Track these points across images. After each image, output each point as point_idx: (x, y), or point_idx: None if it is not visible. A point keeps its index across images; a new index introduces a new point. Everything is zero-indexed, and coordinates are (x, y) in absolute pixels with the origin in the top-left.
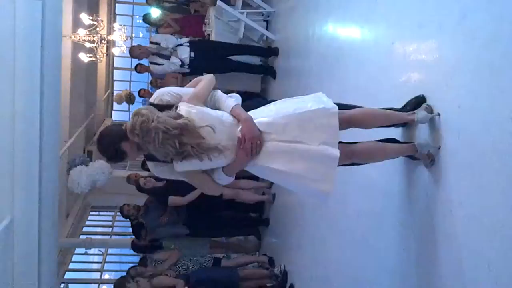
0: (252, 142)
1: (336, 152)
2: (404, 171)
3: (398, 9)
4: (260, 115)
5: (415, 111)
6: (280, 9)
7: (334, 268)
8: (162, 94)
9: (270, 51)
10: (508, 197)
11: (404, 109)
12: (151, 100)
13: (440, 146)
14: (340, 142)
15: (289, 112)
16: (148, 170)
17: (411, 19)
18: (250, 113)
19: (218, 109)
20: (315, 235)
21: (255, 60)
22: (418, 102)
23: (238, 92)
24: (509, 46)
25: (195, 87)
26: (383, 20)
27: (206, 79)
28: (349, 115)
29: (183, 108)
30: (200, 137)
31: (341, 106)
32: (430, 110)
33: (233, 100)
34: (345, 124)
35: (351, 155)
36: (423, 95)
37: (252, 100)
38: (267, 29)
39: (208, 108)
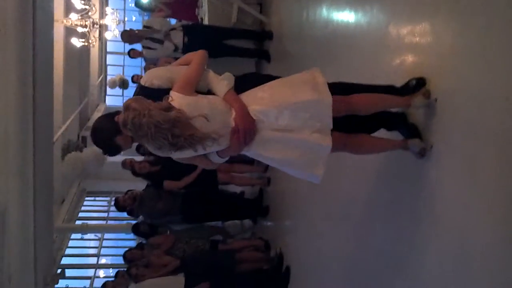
0: (245, 132)
1: (328, 141)
2: (398, 157)
3: None
4: (254, 101)
5: (412, 95)
6: None
7: (330, 251)
8: (153, 77)
9: (264, 35)
10: (503, 183)
11: (404, 88)
12: (142, 82)
13: (432, 146)
14: (335, 130)
15: (283, 100)
16: (143, 154)
17: (405, 1)
18: (244, 96)
19: (211, 91)
20: (310, 218)
21: (249, 44)
22: (418, 83)
23: None
24: (505, 29)
25: (187, 69)
26: (377, 3)
27: (197, 59)
28: (346, 102)
29: (175, 98)
30: (193, 128)
31: (339, 87)
32: (428, 95)
33: (226, 83)
34: (342, 110)
35: (344, 146)
36: (423, 77)
37: (245, 77)
38: (260, 13)
39: (200, 95)
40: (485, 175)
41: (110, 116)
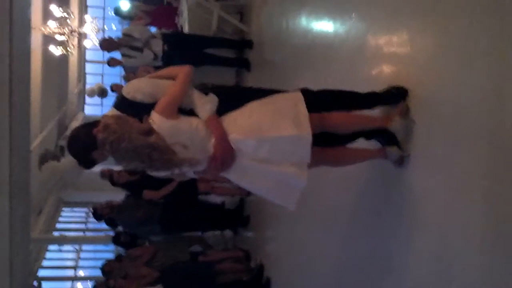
0: (223, 160)
1: (304, 177)
2: (379, 163)
3: (370, 1)
4: (234, 128)
5: (390, 115)
6: (254, 1)
7: (311, 261)
8: (135, 90)
9: (244, 44)
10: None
11: (385, 95)
12: (124, 93)
13: (409, 154)
14: (314, 146)
15: (263, 132)
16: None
17: (383, 11)
18: (225, 120)
19: (193, 110)
20: (291, 228)
21: (229, 53)
22: (399, 93)
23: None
24: (483, 34)
25: (170, 88)
26: (355, 12)
27: (182, 77)
28: (324, 122)
29: (156, 121)
30: (171, 153)
31: (319, 100)
32: (406, 111)
33: (209, 107)
34: (319, 128)
35: (322, 161)
36: (406, 89)
37: (227, 92)
38: (241, 22)
39: (181, 118)
40: (465, 179)
41: (88, 128)
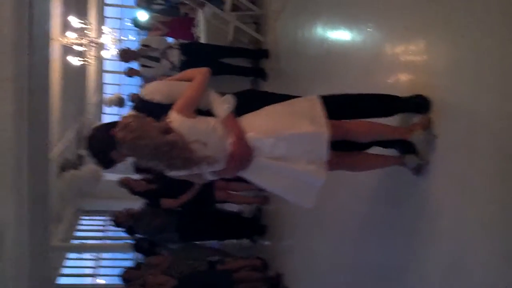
0: (241, 159)
1: (322, 175)
2: (395, 173)
3: (386, 11)
4: (252, 128)
5: (413, 130)
6: (270, 11)
7: (328, 271)
8: (154, 91)
9: (260, 53)
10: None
11: (407, 101)
12: (143, 95)
13: (428, 161)
14: (331, 149)
15: (280, 131)
16: (139, 172)
17: (398, 20)
18: (242, 120)
19: (210, 111)
20: (309, 237)
21: (245, 62)
22: (423, 103)
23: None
24: (497, 41)
25: (188, 89)
26: (371, 21)
27: (199, 78)
28: (344, 131)
29: (174, 120)
30: (190, 152)
31: (339, 107)
32: (428, 124)
33: (226, 107)
34: (339, 136)
35: (340, 165)
36: (429, 100)
37: (244, 95)
38: (257, 31)
39: (199, 117)
40: (482, 191)
41: (107, 127)
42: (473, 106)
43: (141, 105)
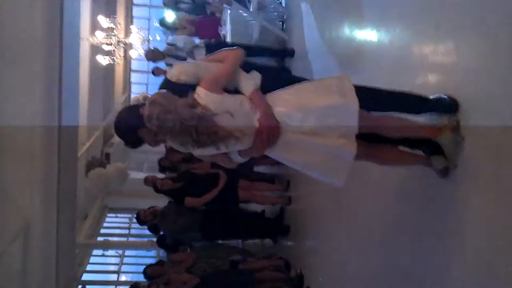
0: (269, 134)
1: (353, 148)
2: (421, 175)
3: (414, 10)
4: (279, 102)
5: (442, 131)
6: (295, 10)
7: (351, 272)
8: (180, 72)
9: (285, 52)
10: None
11: (436, 102)
12: (169, 76)
13: (456, 165)
14: (360, 139)
15: (309, 104)
16: (164, 171)
17: (427, 20)
18: (269, 96)
19: (238, 89)
20: (332, 238)
21: (270, 61)
22: (450, 105)
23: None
24: None
25: (218, 67)
26: (399, 21)
27: (231, 59)
28: (374, 123)
29: (201, 94)
30: (217, 126)
31: (369, 99)
32: (457, 126)
33: (252, 83)
34: (367, 129)
35: (367, 157)
36: (457, 101)
37: (272, 74)
38: (282, 30)
39: (226, 94)
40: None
41: (135, 108)
42: (503, 108)
43: (168, 86)
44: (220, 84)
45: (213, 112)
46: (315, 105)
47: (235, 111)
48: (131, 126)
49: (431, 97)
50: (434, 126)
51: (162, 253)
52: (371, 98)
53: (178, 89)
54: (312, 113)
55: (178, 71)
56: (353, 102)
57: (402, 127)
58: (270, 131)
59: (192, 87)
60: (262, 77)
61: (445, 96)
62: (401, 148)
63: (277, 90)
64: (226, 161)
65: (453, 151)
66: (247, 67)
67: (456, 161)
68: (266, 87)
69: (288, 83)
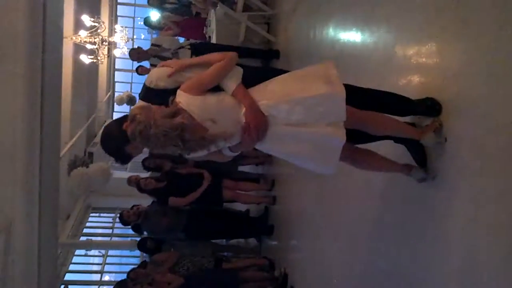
0: (256, 128)
1: (341, 135)
2: (404, 178)
3: (399, 12)
4: (264, 95)
5: (425, 132)
6: (281, 12)
7: (334, 271)
8: (157, 78)
9: (271, 54)
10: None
11: (418, 105)
12: (147, 83)
13: (435, 176)
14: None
15: (295, 95)
16: (148, 170)
17: (412, 22)
18: (253, 90)
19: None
20: (316, 238)
21: (256, 63)
22: (433, 107)
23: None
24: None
25: (204, 73)
26: (383, 23)
27: (220, 65)
28: (360, 119)
29: (183, 99)
30: (203, 131)
31: (354, 95)
32: (440, 128)
33: (234, 79)
34: (351, 125)
35: (348, 159)
36: (440, 103)
37: (255, 69)
38: (268, 32)
39: (208, 93)
40: (492, 193)
41: (118, 123)
42: (485, 109)
43: (148, 93)
44: (203, 88)
45: (196, 121)
46: (302, 96)
47: (219, 111)
48: (118, 144)
49: (414, 99)
50: (417, 127)
51: (145, 253)
52: (355, 96)
53: (158, 95)
54: (299, 103)
55: (155, 77)
56: (340, 90)
57: (386, 125)
58: (258, 126)
59: (172, 91)
60: (245, 72)
61: (428, 98)
62: (385, 145)
63: (261, 83)
64: (220, 157)
65: (436, 152)
66: None
67: (435, 170)
68: (250, 81)
69: (273, 75)
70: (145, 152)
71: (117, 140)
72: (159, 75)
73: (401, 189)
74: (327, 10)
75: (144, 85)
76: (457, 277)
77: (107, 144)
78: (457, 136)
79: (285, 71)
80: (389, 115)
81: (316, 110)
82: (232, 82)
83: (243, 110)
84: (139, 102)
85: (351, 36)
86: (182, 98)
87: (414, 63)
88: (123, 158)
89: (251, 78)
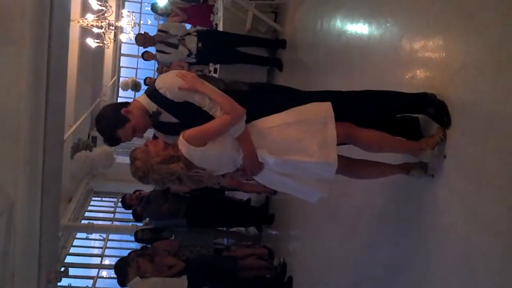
0: (252, 174)
1: (326, 190)
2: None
3: (406, 5)
4: (263, 143)
5: (423, 149)
6: (289, 1)
7: (333, 262)
8: (168, 88)
9: (277, 43)
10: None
11: (412, 97)
12: (157, 85)
13: (433, 175)
14: (340, 156)
15: (290, 156)
16: None
17: (419, 15)
18: (253, 130)
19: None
20: (316, 228)
21: (262, 52)
22: (443, 118)
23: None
24: None
25: (208, 124)
26: (391, 16)
27: (227, 118)
28: (354, 139)
29: (184, 150)
30: (199, 176)
31: (352, 110)
32: (443, 138)
33: (239, 127)
34: (347, 140)
35: (346, 171)
36: (449, 116)
37: (254, 89)
38: (275, 21)
39: (209, 144)
40: (492, 190)
41: (117, 106)
42: (490, 106)
43: (154, 94)
44: (205, 141)
45: (192, 168)
46: (297, 159)
47: (219, 159)
48: (110, 125)
49: (417, 92)
50: (417, 142)
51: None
52: (352, 107)
53: (162, 100)
54: (292, 163)
55: (166, 86)
56: (332, 160)
57: (384, 146)
58: (253, 172)
59: (176, 104)
60: (244, 97)
61: (419, 93)
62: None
63: (262, 119)
64: (211, 183)
65: (434, 166)
66: (239, 57)
67: (434, 170)
68: (251, 107)
69: (272, 96)
70: (145, 137)
71: (110, 121)
72: (170, 86)
73: (402, 181)
74: (336, 1)
75: (153, 85)
76: (455, 272)
77: (100, 122)
78: (462, 131)
79: (287, 89)
80: (386, 134)
81: (308, 170)
82: (237, 131)
83: (242, 154)
84: (143, 97)
85: (358, 28)
86: (183, 148)
87: (420, 56)
88: (111, 140)
89: (254, 102)
